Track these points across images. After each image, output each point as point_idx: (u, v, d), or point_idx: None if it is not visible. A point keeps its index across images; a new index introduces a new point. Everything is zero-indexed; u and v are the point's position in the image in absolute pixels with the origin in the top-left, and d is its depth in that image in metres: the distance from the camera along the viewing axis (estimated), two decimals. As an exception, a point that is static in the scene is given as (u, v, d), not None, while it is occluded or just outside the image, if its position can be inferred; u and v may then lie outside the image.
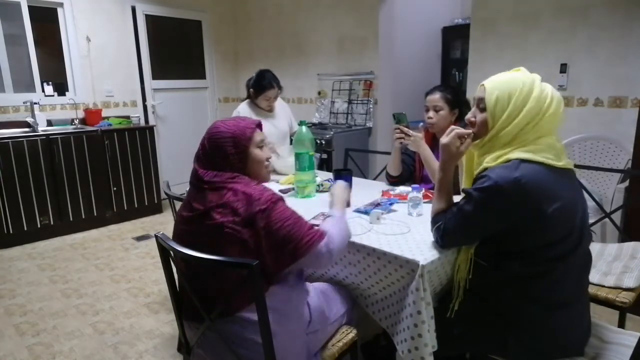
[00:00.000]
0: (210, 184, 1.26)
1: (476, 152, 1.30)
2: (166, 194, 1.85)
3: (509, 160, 1.16)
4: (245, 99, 2.80)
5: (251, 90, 2.68)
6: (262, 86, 2.64)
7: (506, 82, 1.21)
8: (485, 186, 1.15)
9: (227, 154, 1.29)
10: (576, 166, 1.28)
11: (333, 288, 1.51)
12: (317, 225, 1.32)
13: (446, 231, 1.27)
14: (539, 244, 1.16)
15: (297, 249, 1.21)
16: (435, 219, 1.35)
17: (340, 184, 1.63)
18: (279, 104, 2.84)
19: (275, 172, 2.64)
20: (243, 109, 2.72)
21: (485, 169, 1.21)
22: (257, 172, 1.37)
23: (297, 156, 1.97)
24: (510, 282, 1.22)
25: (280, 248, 1.21)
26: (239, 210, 1.20)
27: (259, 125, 1.42)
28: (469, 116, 1.30)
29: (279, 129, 2.79)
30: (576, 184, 1.26)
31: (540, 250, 1.17)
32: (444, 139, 1.30)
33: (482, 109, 1.24)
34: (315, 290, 1.46)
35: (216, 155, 1.29)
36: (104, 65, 4.40)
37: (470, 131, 1.28)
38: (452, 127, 1.31)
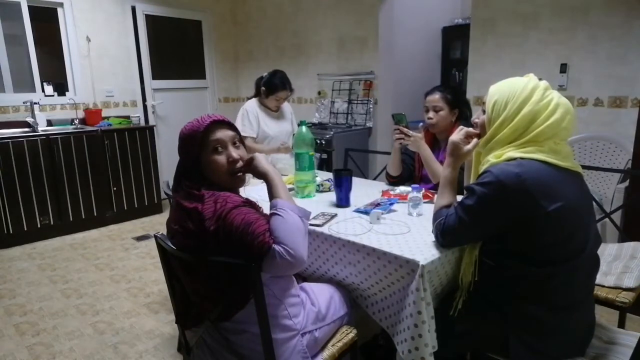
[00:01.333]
0: (177, 199, 1.20)
1: (481, 152, 1.32)
2: (166, 194, 1.86)
3: (513, 159, 1.17)
4: (253, 97, 2.82)
5: (263, 88, 2.69)
6: (274, 86, 2.66)
7: (507, 87, 1.23)
8: (486, 181, 1.16)
9: (184, 158, 1.23)
10: (577, 166, 1.28)
11: (333, 289, 1.50)
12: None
13: (447, 226, 1.28)
14: (542, 244, 1.16)
15: (249, 256, 1.10)
16: (437, 214, 1.35)
17: (257, 157, 1.31)
18: (285, 104, 2.87)
19: None
20: (250, 107, 2.74)
21: (489, 166, 1.21)
22: (219, 180, 1.23)
23: (297, 156, 1.97)
24: (514, 283, 1.22)
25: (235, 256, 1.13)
26: (191, 232, 1.15)
27: (221, 122, 1.26)
28: (473, 118, 1.35)
29: (284, 129, 2.81)
30: (584, 189, 1.25)
31: (543, 251, 1.17)
32: (453, 137, 1.36)
33: (484, 111, 1.29)
34: (311, 290, 1.45)
35: (181, 160, 1.23)
36: (104, 65, 4.40)
37: (477, 132, 1.33)
38: (462, 126, 1.38)
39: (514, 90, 1.20)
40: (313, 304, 1.39)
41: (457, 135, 1.36)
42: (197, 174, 1.23)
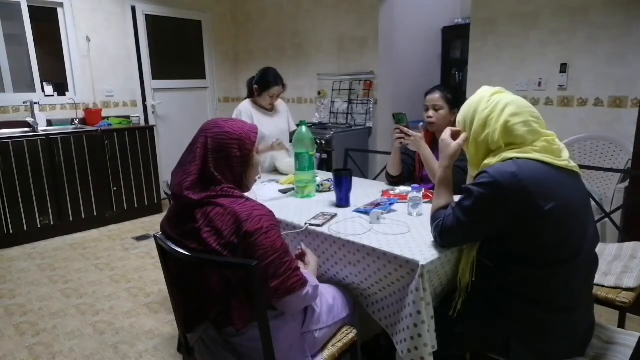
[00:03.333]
0: (199, 200, 1.17)
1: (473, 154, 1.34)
2: (166, 194, 1.86)
3: (508, 159, 1.17)
4: (246, 98, 2.81)
5: (255, 86, 2.69)
6: (267, 82, 2.65)
7: (463, 109, 1.33)
8: (483, 182, 1.16)
9: (231, 156, 1.21)
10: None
11: (336, 290, 1.50)
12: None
13: (445, 227, 1.28)
14: (540, 244, 1.16)
15: (281, 286, 1.16)
16: (435, 215, 1.36)
17: (313, 258, 1.49)
18: (279, 103, 2.86)
19: (276, 171, 2.65)
20: (245, 107, 2.73)
21: (486, 166, 1.22)
22: (252, 177, 1.31)
23: (297, 156, 1.97)
24: (513, 284, 1.22)
25: (264, 280, 1.15)
26: (224, 232, 1.14)
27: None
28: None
29: (280, 127, 2.81)
30: (582, 189, 1.25)
31: (542, 251, 1.17)
32: (443, 136, 1.39)
33: None
34: None
35: (219, 157, 1.21)
36: (104, 65, 4.40)
37: (460, 129, 1.38)
38: (448, 127, 1.42)
39: (465, 110, 1.31)
40: (315, 305, 1.39)
41: (445, 134, 1.39)
42: (229, 169, 1.23)
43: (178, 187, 1.20)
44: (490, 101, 1.24)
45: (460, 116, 1.34)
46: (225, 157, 1.21)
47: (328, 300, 1.44)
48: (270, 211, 1.21)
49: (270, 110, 2.79)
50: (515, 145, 1.19)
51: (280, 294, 1.18)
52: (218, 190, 1.19)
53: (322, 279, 1.60)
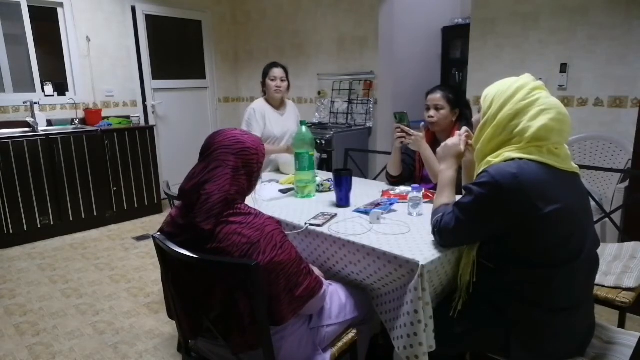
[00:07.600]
0: (211, 229, 1.13)
1: (475, 155, 1.33)
2: (166, 193, 1.86)
3: (511, 159, 1.17)
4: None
5: (261, 81, 2.81)
6: (267, 68, 2.79)
7: (495, 87, 1.26)
8: (483, 181, 1.16)
9: (253, 171, 1.21)
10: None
11: (349, 292, 1.50)
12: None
13: (444, 225, 1.28)
14: (539, 246, 1.16)
15: (305, 292, 1.20)
16: (435, 212, 1.36)
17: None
18: (289, 105, 2.92)
19: (277, 171, 2.66)
20: (258, 105, 2.79)
21: (487, 166, 1.21)
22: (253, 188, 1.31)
23: (297, 156, 1.97)
24: (513, 285, 1.22)
25: (289, 291, 1.17)
26: (235, 253, 1.13)
27: None
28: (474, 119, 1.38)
29: (288, 128, 2.82)
30: (581, 189, 1.25)
31: (541, 253, 1.17)
32: (453, 140, 1.44)
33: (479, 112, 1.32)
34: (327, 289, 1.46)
35: (245, 173, 1.18)
36: (104, 65, 4.40)
37: (464, 130, 1.42)
38: (457, 131, 1.47)
39: (500, 89, 1.23)
40: (325, 302, 1.40)
41: (456, 138, 1.42)
42: (246, 184, 1.22)
43: (196, 211, 1.14)
44: (532, 95, 1.18)
45: (491, 92, 1.25)
46: (249, 173, 1.21)
47: (341, 299, 1.45)
48: (277, 221, 1.21)
49: (279, 107, 2.83)
50: (528, 144, 1.17)
51: (305, 300, 1.21)
52: (226, 210, 1.16)
53: (336, 277, 1.59)
